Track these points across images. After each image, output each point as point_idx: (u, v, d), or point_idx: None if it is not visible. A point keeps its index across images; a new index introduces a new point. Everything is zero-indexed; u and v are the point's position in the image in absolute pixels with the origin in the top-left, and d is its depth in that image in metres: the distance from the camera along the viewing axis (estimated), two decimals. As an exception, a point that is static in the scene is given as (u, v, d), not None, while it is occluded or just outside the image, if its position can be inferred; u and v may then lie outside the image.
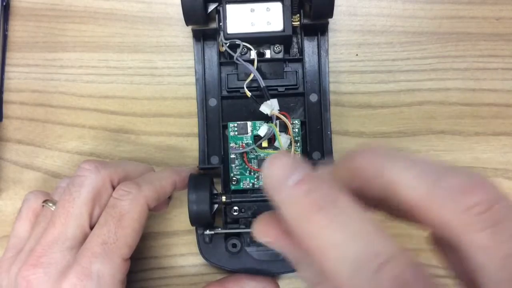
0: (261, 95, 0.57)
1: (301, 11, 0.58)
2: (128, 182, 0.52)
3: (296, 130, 0.59)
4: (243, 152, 0.59)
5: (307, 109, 0.60)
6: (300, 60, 0.60)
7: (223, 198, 0.57)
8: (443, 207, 0.27)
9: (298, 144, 0.59)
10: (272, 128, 0.56)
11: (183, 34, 0.64)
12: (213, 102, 0.60)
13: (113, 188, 0.53)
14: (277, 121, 0.56)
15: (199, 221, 0.57)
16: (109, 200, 0.51)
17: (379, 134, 0.63)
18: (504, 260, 0.26)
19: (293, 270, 0.60)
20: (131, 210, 0.50)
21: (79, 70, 0.64)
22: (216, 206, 0.58)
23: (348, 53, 0.64)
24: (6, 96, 0.64)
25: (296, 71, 0.59)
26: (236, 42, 0.57)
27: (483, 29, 0.64)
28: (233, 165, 0.59)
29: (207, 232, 0.59)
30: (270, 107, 0.54)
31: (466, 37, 0.64)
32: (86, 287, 0.47)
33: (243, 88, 0.57)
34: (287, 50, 0.61)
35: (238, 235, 0.60)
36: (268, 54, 0.60)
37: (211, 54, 0.61)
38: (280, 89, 0.59)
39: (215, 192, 0.58)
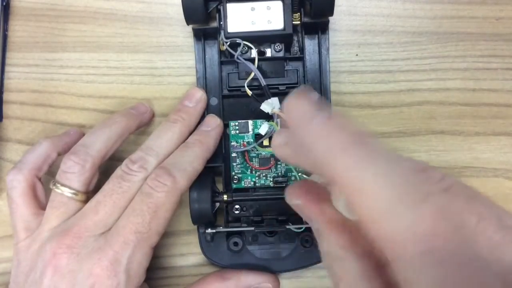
0: (262, 94, 0.57)
1: (302, 9, 0.58)
2: (163, 171, 0.52)
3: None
4: (244, 151, 0.59)
5: (308, 108, 0.59)
6: (301, 58, 0.60)
7: (225, 197, 0.58)
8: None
9: (299, 142, 0.59)
10: (272, 126, 0.56)
11: (183, 34, 0.64)
12: (214, 101, 0.60)
13: None
14: (278, 120, 0.56)
15: (201, 219, 0.57)
16: (144, 186, 0.52)
17: (379, 134, 0.63)
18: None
19: (294, 269, 0.60)
20: (166, 202, 0.51)
21: (79, 70, 0.64)
22: (217, 204, 0.58)
23: (348, 53, 0.64)
24: (6, 96, 0.64)
25: (297, 70, 0.59)
26: (237, 41, 0.57)
27: (483, 29, 0.64)
28: (234, 164, 0.59)
29: (209, 230, 0.59)
30: (271, 105, 0.54)
31: (466, 37, 0.64)
32: (116, 272, 0.49)
33: (244, 87, 0.57)
34: (287, 49, 0.61)
35: (239, 233, 0.60)
36: (268, 52, 0.60)
37: (212, 53, 0.61)
38: (281, 87, 0.59)
39: (216, 190, 0.59)
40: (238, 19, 0.57)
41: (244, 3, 0.57)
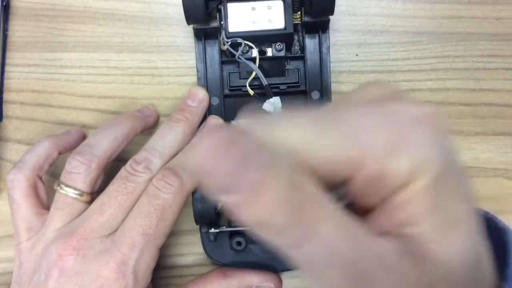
0: (263, 93, 0.57)
1: (302, 8, 0.58)
2: (169, 172, 0.52)
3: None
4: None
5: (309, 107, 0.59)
6: (302, 57, 0.60)
7: (228, 196, 0.57)
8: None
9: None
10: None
11: (183, 34, 0.64)
12: (215, 101, 0.60)
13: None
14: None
15: (204, 219, 0.57)
16: (150, 187, 0.52)
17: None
18: None
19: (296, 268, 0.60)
20: (173, 204, 0.51)
21: (79, 70, 0.64)
22: (220, 204, 0.57)
23: (348, 53, 0.64)
24: (6, 96, 0.64)
25: (298, 69, 0.59)
26: (238, 41, 0.57)
27: (483, 29, 0.64)
28: (236, 163, 0.59)
29: (212, 230, 0.59)
30: (272, 105, 0.54)
31: (466, 37, 0.64)
32: (124, 274, 0.49)
33: (245, 86, 0.57)
34: (288, 48, 0.61)
35: (242, 233, 0.60)
36: (269, 52, 0.60)
37: (213, 53, 0.61)
38: (282, 87, 0.59)
39: (219, 190, 0.58)
40: (239, 19, 0.57)
41: (245, 3, 0.57)
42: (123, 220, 0.51)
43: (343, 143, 0.27)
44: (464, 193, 0.28)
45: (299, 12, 0.58)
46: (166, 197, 0.51)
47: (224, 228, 0.59)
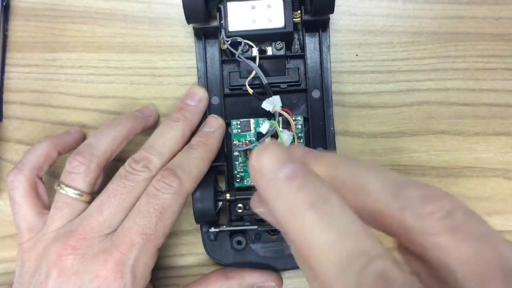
0: (263, 92, 0.57)
1: (302, 7, 0.58)
2: (169, 173, 0.52)
3: (299, 126, 0.59)
4: (246, 150, 0.59)
5: (309, 106, 0.59)
6: (302, 56, 0.60)
7: (227, 196, 0.57)
8: (407, 212, 0.28)
9: (302, 140, 0.59)
10: (274, 124, 0.56)
11: (183, 34, 0.64)
12: (215, 100, 0.60)
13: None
14: (280, 118, 0.56)
15: (204, 219, 0.57)
16: (150, 188, 0.52)
17: (379, 134, 0.63)
18: (465, 259, 0.27)
19: (298, 267, 0.60)
20: (173, 204, 0.51)
21: (79, 70, 0.64)
22: (220, 203, 0.58)
23: (348, 53, 0.64)
24: (6, 96, 0.64)
25: (298, 68, 0.59)
26: (238, 40, 0.57)
27: (483, 29, 0.64)
28: (236, 163, 0.59)
29: (212, 229, 0.59)
30: (272, 103, 0.55)
31: (466, 37, 0.64)
32: (122, 273, 0.49)
33: (245, 85, 0.57)
34: (288, 47, 0.61)
35: (243, 232, 0.60)
36: (269, 51, 0.60)
37: (213, 52, 0.61)
38: (282, 85, 0.59)
39: (219, 189, 0.59)
40: (239, 18, 0.57)
41: (245, 2, 0.57)
42: (123, 219, 0.51)
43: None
44: None
45: (299, 11, 0.58)
46: (166, 197, 0.51)
47: (224, 228, 0.59)
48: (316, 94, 0.60)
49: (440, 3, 0.64)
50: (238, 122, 0.59)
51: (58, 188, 0.53)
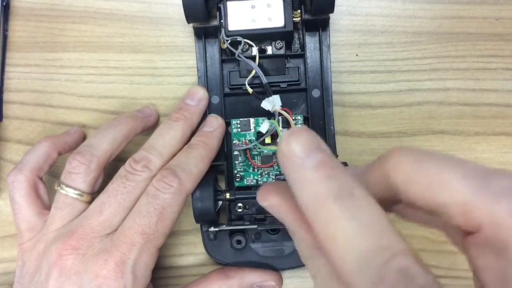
0: (263, 92, 0.57)
1: (302, 6, 0.58)
2: (169, 173, 0.52)
3: (299, 125, 0.59)
4: (246, 149, 0.59)
5: (309, 105, 0.59)
6: (302, 55, 0.60)
7: (227, 195, 0.57)
8: (495, 207, 0.28)
9: (302, 139, 0.59)
10: (273, 124, 0.56)
11: (183, 34, 0.64)
12: (215, 99, 0.60)
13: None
14: (280, 117, 0.56)
15: (204, 218, 0.57)
16: (150, 188, 0.52)
17: (379, 134, 0.63)
18: None
19: (298, 266, 0.60)
20: (173, 203, 0.51)
21: (79, 70, 0.64)
22: (220, 203, 0.58)
23: (348, 53, 0.64)
24: (6, 96, 0.64)
25: (298, 67, 0.59)
26: (238, 39, 0.57)
27: (483, 29, 0.64)
28: (236, 162, 0.59)
29: (212, 229, 0.59)
30: (271, 103, 0.54)
31: (466, 37, 0.64)
32: (123, 273, 0.49)
33: (245, 85, 0.57)
34: (288, 46, 0.61)
35: (242, 231, 0.60)
36: (269, 50, 0.60)
37: (213, 51, 0.61)
38: (282, 85, 0.59)
39: (219, 189, 0.59)
40: (239, 17, 0.57)
41: (245, 1, 0.57)
42: (123, 219, 0.51)
43: None
44: None
45: (299, 10, 0.58)
46: (166, 197, 0.51)
47: (224, 227, 0.59)
48: (316, 93, 0.60)
49: (440, 3, 0.64)
50: (238, 122, 0.59)
51: (58, 188, 0.54)
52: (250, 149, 0.59)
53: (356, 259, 0.27)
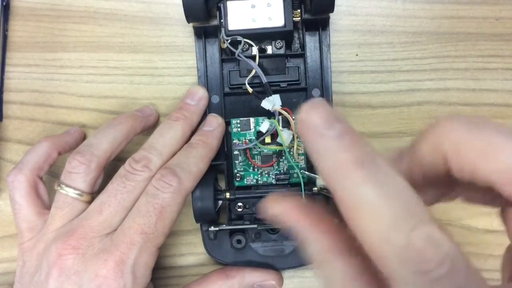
0: (263, 91, 0.57)
1: (302, 6, 0.58)
2: (168, 172, 0.52)
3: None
4: (246, 149, 0.59)
5: (309, 105, 0.59)
6: (302, 55, 0.60)
7: (227, 195, 0.57)
8: None
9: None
10: (273, 123, 0.56)
11: (183, 34, 0.64)
12: (215, 99, 0.60)
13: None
14: (280, 117, 0.56)
15: (204, 217, 0.57)
16: (149, 187, 0.52)
17: (379, 134, 0.63)
18: None
19: (298, 265, 0.60)
20: (172, 203, 0.52)
21: (79, 70, 0.64)
22: (220, 202, 0.58)
23: (348, 53, 0.64)
24: (6, 96, 0.64)
25: (298, 67, 0.59)
26: (238, 39, 0.57)
27: (483, 29, 0.64)
28: (236, 162, 0.59)
29: (212, 228, 0.59)
30: (271, 102, 0.54)
31: (466, 37, 0.64)
32: (122, 273, 0.49)
33: (245, 84, 0.57)
34: (288, 46, 0.61)
35: (243, 231, 0.60)
36: (269, 50, 0.60)
37: (213, 51, 0.61)
38: (282, 84, 0.59)
39: (219, 188, 0.59)
40: (239, 17, 0.57)
41: (245, 1, 0.57)
42: (123, 219, 0.51)
43: None
44: None
45: (299, 10, 0.58)
46: (165, 196, 0.51)
47: (224, 227, 0.59)
48: (316, 93, 0.60)
49: (440, 3, 0.64)
50: (238, 121, 0.59)
51: (58, 188, 0.54)
52: (250, 149, 0.59)
53: (383, 226, 0.26)
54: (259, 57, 0.57)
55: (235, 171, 0.59)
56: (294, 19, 0.58)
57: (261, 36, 0.58)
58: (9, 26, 0.65)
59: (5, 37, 0.64)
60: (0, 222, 0.64)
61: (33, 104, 0.64)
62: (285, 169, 0.59)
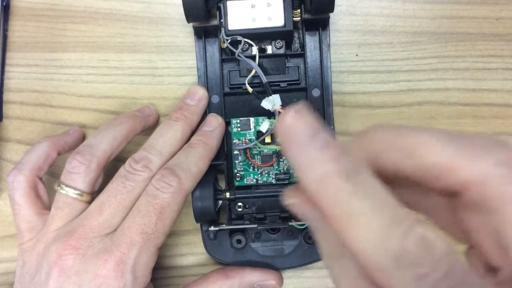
0: (263, 91, 0.57)
1: (302, 6, 0.58)
2: (168, 172, 0.52)
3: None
4: (246, 148, 0.59)
5: (309, 104, 0.59)
6: (302, 55, 0.60)
7: (227, 195, 0.57)
8: (474, 163, 0.28)
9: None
10: (273, 123, 0.56)
11: (183, 34, 0.64)
12: (215, 99, 0.60)
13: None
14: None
15: (204, 217, 0.57)
16: (149, 187, 0.52)
17: (379, 134, 0.63)
18: None
19: (298, 265, 0.60)
20: (172, 203, 0.51)
21: (79, 70, 0.64)
22: (220, 202, 0.58)
23: (348, 53, 0.64)
24: (6, 96, 0.64)
25: (298, 66, 0.59)
26: (238, 39, 0.57)
27: (483, 29, 0.64)
28: (236, 161, 0.59)
29: (212, 228, 0.59)
30: (271, 102, 0.54)
31: (466, 37, 0.64)
32: (123, 273, 0.49)
33: (245, 84, 0.57)
34: (288, 46, 0.61)
35: (242, 231, 0.60)
36: (269, 49, 0.60)
37: (213, 51, 0.61)
38: (282, 84, 0.59)
39: (219, 188, 0.59)
40: (239, 17, 0.57)
41: (245, 0, 0.57)
42: (123, 219, 0.51)
43: None
44: None
45: (298, 10, 0.58)
46: (165, 196, 0.51)
47: (224, 226, 0.59)
48: (316, 92, 0.60)
49: (440, 3, 0.64)
50: (238, 121, 0.59)
51: (58, 188, 0.54)
52: (250, 149, 0.59)
53: (376, 233, 0.26)
54: (259, 57, 0.57)
55: (235, 171, 0.59)
56: (294, 19, 0.58)
57: (261, 36, 0.58)
58: (9, 26, 0.65)
59: (5, 37, 0.64)
60: (0, 222, 0.64)
61: (33, 104, 0.64)
62: (285, 168, 0.59)
